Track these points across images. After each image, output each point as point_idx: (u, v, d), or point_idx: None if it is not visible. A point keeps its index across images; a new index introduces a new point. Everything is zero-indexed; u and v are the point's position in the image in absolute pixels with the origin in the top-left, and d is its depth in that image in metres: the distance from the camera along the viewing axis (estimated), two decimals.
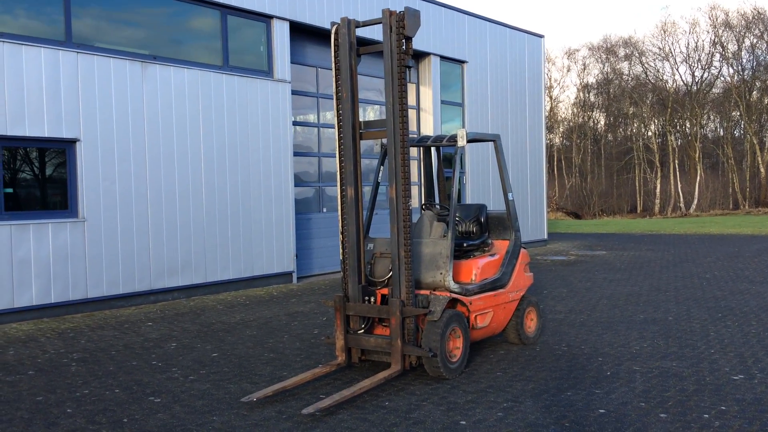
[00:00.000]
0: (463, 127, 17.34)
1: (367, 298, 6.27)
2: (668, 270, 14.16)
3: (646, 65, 53.47)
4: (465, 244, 7.04)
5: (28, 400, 5.80)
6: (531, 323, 7.66)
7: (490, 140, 7.32)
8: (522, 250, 7.52)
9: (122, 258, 10.50)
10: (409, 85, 16.09)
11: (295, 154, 13.22)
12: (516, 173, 19.15)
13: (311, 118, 14.22)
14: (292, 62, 13.23)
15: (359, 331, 6.34)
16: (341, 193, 6.35)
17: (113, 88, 10.41)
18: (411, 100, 16.37)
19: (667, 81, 53.12)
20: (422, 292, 6.40)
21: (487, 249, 7.28)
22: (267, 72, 12.61)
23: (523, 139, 19.50)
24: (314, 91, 14.13)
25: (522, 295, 7.44)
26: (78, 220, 10.00)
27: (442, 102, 16.84)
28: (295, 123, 13.57)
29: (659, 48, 54.25)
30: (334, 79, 6.32)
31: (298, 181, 13.74)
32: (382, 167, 7.11)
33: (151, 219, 10.86)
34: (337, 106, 6.33)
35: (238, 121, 12.11)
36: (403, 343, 6.01)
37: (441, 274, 6.37)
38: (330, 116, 14.73)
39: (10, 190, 9.50)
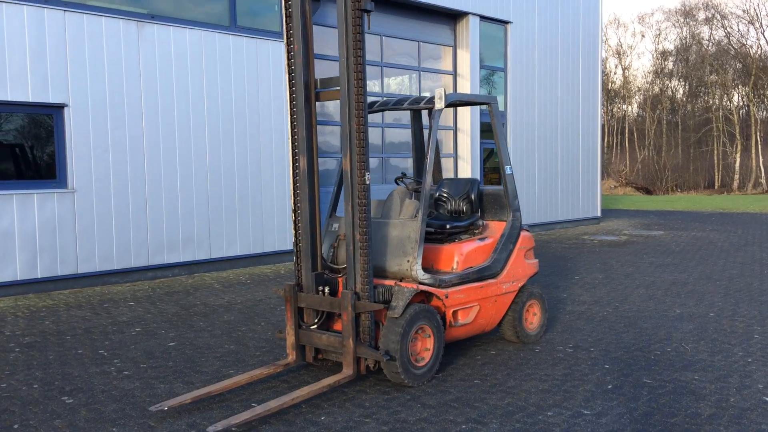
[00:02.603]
0: (505, 94, 16.03)
1: (321, 288, 5.34)
2: (728, 255, 12.63)
3: (728, 29, 49.80)
4: (448, 226, 5.99)
5: None
6: (533, 319, 6.57)
7: (483, 103, 6.19)
8: (523, 233, 6.41)
9: (116, 232, 9.90)
10: (444, 48, 14.91)
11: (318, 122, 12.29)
12: (567, 145, 17.70)
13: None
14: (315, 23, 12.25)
15: (312, 327, 5.43)
16: (293, 163, 5.41)
17: (105, 50, 9.73)
18: (447, 65, 15.18)
19: (751, 47, 49.39)
20: (387, 282, 5.42)
21: (477, 231, 6.21)
22: (280, 33, 11.69)
23: (576, 109, 17.98)
24: (336, 54, 13.13)
25: (521, 285, 6.35)
26: (67, 191, 9.43)
27: (482, 67, 15.55)
28: (330, 88, 12.61)
29: (743, 11, 50.43)
30: (284, 27, 5.34)
31: (323, 152, 12.85)
32: None
33: (149, 190, 10.21)
34: (288, 60, 5.36)
35: (246, 86, 11.27)
36: (356, 343, 5.07)
37: (408, 261, 5.37)
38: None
39: None
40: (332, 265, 5.61)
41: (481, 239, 6.07)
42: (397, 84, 14.54)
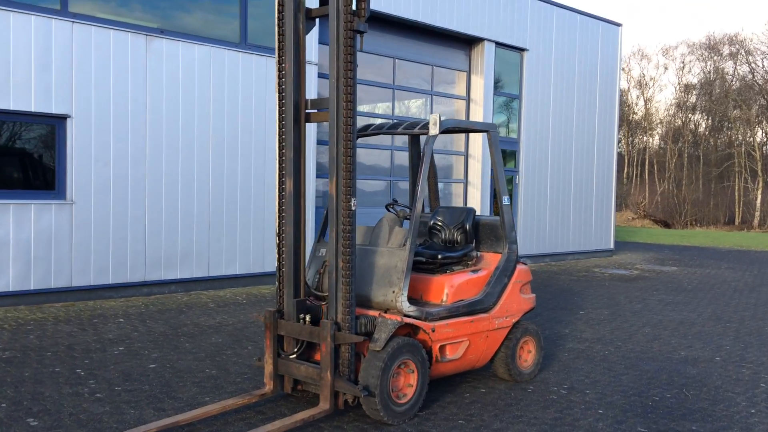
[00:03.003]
0: (519, 121, 15.82)
1: (302, 316, 5.12)
2: (741, 294, 12.23)
3: (753, 65, 49.32)
4: (440, 256, 5.76)
5: None
6: (527, 357, 6.29)
7: (482, 131, 5.98)
8: (520, 266, 6.16)
9: (113, 245, 9.77)
10: (458, 73, 14.76)
11: (320, 142, 12.16)
12: (581, 175, 17.41)
13: None
14: (321, 42, 12.18)
15: (291, 356, 5.21)
16: (279, 186, 5.22)
17: (112, 63, 9.67)
18: (461, 90, 15.02)
19: None
20: (371, 312, 5.19)
21: (471, 263, 5.97)
22: None
23: (591, 138, 17.71)
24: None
25: (515, 321, 6.08)
26: (65, 203, 9.33)
27: (497, 93, 15.38)
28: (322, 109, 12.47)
29: None
30: (276, 45, 5.19)
31: (323, 172, 12.70)
32: None
33: (148, 205, 10.09)
34: (279, 80, 5.19)
35: (254, 103, 11.17)
36: (334, 376, 4.83)
37: (393, 292, 5.14)
38: (367, 104, 13.62)
39: None
40: (317, 292, 5.40)
41: (474, 271, 5.83)
42: (409, 107, 14.40)
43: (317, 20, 5.31)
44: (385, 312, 5.18)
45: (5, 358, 6.48)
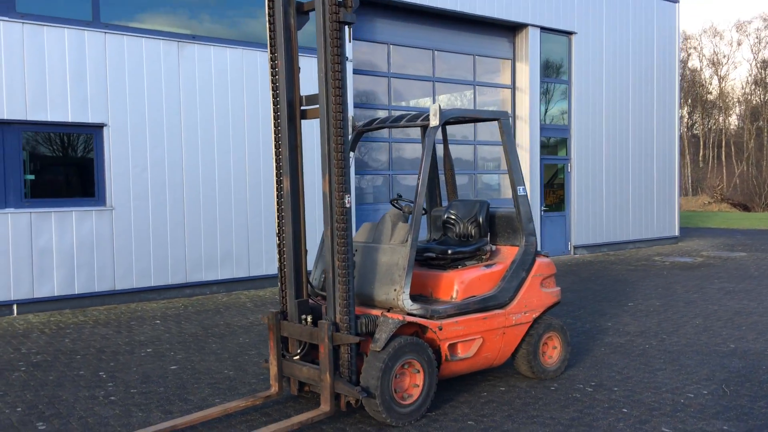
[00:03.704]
0: (569, 107, 15.29)
1: (304, 316, 5.02)
2: None
3: None
4: (450, 251, 5.54)
5: None
6: (553, 353, 6.00)
7: (491, 119, 5.72)
8: (540, 259, 5.88)
9: (154, 249, 9.95)
10: (502, 61, 14.40)
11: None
12: (640, 161, 16.69)
13: (382, 100, 12.96)
14: (356, 38, 12.08)
15: (295, 357, 5.12)
16: (277, 185, 5.13)
17: (145, 70, 9.84)
18: (505, 78, 14.62)
19: None
20: (375, 312, 5.04)
21: (485, 257, 5.73)
22: None
23: (650, 121, 16.95)
24: (384, 70, 12.87)
25: (536, 316, 5.80)
26: (105, 209, 9.56)
27: (544, 80, 14.90)
28: (359, 105, 12.41)
29: None
30: (268, 41, 5.09)
31: (365, 169, 12.60)
32: (351, 153, 5.81)
33: (187, 209, 10.23)
34: (272, 77, 5.10)
35: None
36: (333, 377, 4.71)
37: (395, 290, 4.96)
38: (410, 99, 13.44)
39: (31, 177, 9.20)
40: (321, 291, 5.30)
41: (487, 266, 5.58)
42: (451, 101, 14.13)
43: (310, 14, 5.18)
44: (388, 311, 5.02)
45: (35, 362, 6.65)
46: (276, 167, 5.12)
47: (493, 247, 5.85)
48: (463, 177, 13.92)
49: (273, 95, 5.10)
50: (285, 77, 5.00)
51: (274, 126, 5.11)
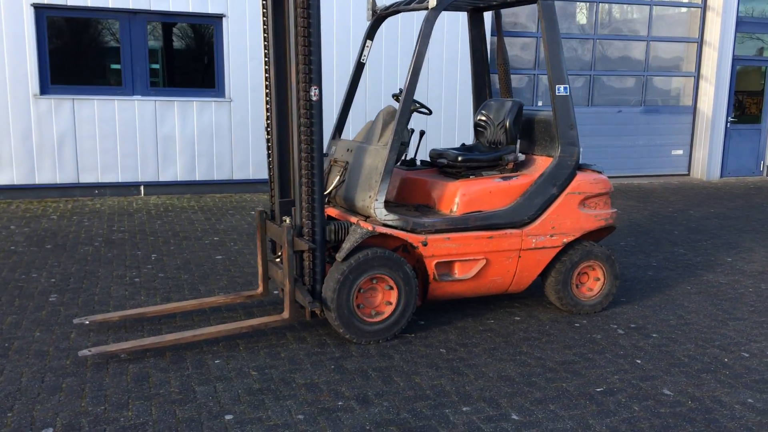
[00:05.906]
0: None
1: (284, 218, 4.74)
2: None
3: None
4: (460, 158, 4.83)
5: None
6: (594, 285, 5.14)
7: (526, 2, 4.74)
8: (582, 175, 4.95)
9: None
10: None
11: (494, 34, 11.01)
12: None
13: None
14: None
15: (277, 259, 4.90)
16: (265, 74, 4.77)
17: None
18: None
19: None
20: (353, 219, 4.60)
21: (507, 168, 4.93)
22: None
23: None
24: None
25: (569, 241, 4.95)
26: (224, 100, 9.85)
27: None
28: None
29: None
30: None
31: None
32: (369, 42, 5.21)
33: None
34: None
35: None
36: (293, 284, 4.42)
37: (369, 197, 4.46)
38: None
39: (156, 66, 9.70)
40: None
41: (505, 178, 4.81)
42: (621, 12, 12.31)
43: None
44: (366, 219, 4.55)
45: (112, 239, 7.17)
46: (264, 55, 4.74)
47: (522, 157, 5.02)
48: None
49: None
50: None
51: (262, 10, 4.69)
